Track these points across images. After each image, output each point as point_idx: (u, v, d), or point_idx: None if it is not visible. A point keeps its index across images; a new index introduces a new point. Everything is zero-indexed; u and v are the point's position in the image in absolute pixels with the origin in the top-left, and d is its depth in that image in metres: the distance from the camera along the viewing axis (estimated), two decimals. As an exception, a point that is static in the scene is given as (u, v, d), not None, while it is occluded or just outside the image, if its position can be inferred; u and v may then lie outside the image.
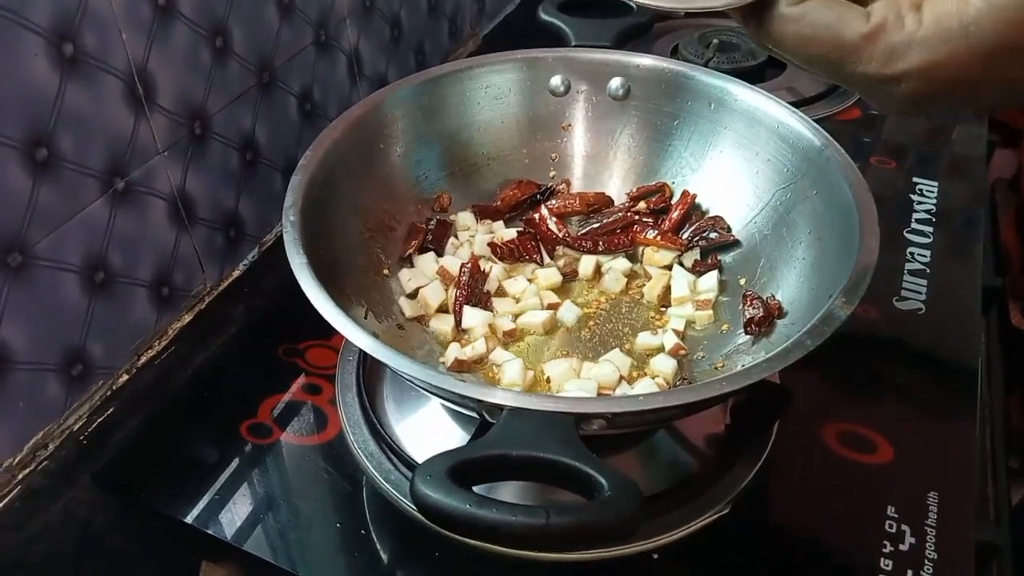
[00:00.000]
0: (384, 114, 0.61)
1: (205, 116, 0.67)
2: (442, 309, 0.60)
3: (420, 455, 0.51)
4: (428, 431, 0.55)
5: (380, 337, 0.43)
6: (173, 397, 0.63)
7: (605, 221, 0.65)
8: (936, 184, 0.79)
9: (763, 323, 0.52)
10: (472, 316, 0.57)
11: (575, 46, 0.65)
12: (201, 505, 0.54)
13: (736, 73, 0.90)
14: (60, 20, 0.52)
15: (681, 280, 0.60)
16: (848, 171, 0.51)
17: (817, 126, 0.55)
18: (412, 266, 0.63)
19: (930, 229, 0.74)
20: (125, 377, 0.64)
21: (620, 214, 0.65)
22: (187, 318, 0.70)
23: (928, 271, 0.70)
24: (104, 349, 0.62)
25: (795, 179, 0.56)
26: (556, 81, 0.65)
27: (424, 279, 0.61)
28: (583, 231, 0.65)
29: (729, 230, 0.61)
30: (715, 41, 0.95)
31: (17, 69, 0.51)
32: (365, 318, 0.52)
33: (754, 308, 0.52)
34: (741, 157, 0.60)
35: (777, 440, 0.53)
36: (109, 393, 0.63)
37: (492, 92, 0.65)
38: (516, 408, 0.34)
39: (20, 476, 0.57)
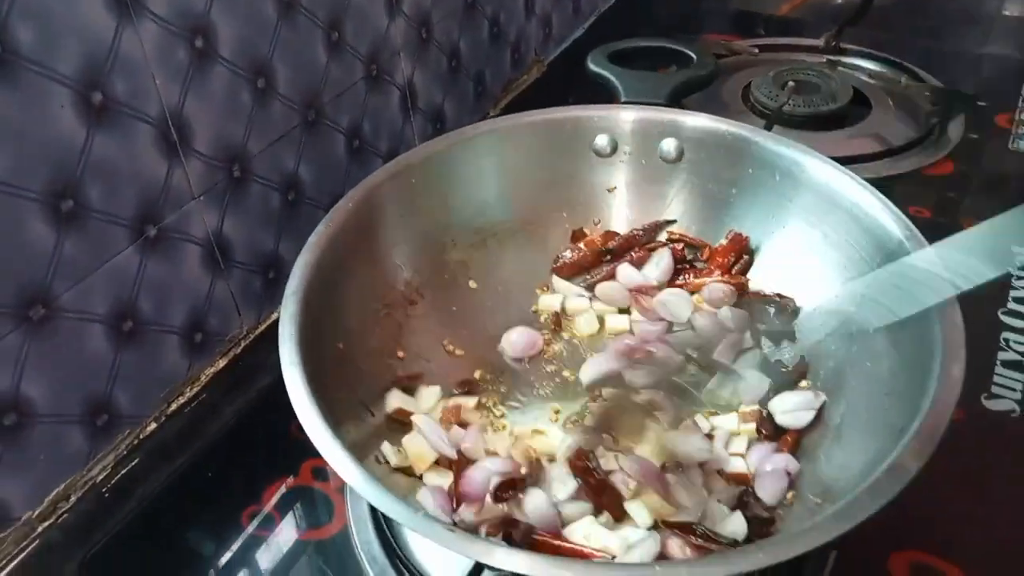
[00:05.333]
0: (409, 180, 0.57)
1: (245, 158, 0.65)
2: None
3: (430, 563, 0.47)
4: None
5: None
6: (181, 471, 0.61)
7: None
8: (1041, 255, 0.71)
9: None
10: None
11: (625, 102, 0.60)
12: None
13: (815, 118, 0.84)
14: (88, 69, 0.51)
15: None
16: (931, 271, 0.44)
17: (900, 212, 0.48)
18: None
19: (1031, 310, 0.66)
20: (153, 425, 0.63)
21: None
22: (221, 363, 0.68)
23: (1027, 364, 0.62)
24: (131, 398, 0.60)
25: (869, 271, 0.49)
26: (602, 141, 0.60)
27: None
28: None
29: (794, 315, 0.55)
30: (791, 83, 0.87)
31: (42, 122, 0.49)
32: (372, 416, 0.48)
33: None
34: (809, 238, 0.54)
35: (834, 570, 0.47)
36: (136, 442, 0.62)
37: (530, 152, 0.60)
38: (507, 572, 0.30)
39: (40, 529, 0.56)
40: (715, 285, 0.58)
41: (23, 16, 0.47)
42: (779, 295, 0.57)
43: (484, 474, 0.47)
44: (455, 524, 0.46)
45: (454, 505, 0.47)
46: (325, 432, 0.39)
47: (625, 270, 0.61)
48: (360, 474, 0.37)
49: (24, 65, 0.47)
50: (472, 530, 0.45)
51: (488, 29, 0.92)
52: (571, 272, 0.64)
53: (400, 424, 0.53)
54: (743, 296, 0.58)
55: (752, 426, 0.53)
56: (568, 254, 0.63)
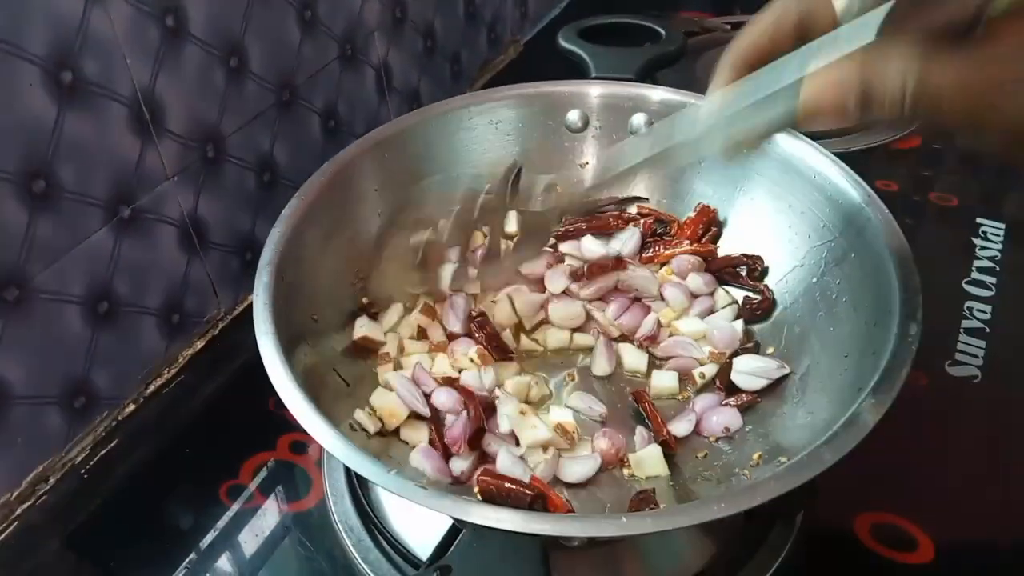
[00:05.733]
0: (383, 154, 0.58)
1: (219, 138, 0.65)
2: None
3: (405, 532, 0.48)
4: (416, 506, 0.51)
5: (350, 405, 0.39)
6: (159, 450, 0.61)
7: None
8: (1003, 227, 0.72)
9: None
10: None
11: (595, 78, 0.60)
12: None
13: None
14: (57, 48, 0.51)
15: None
16: (890, 236, 0.46)
17: (859, 179, 0.49)
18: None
19: (993, 280, 0.67)
20: (132, 407, 0.63)
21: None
22: (199, 344, 0.68)
23: (988, 331, 0.63)
24: (109, 379, 0.61)
25: (832, 237, 0.51)
26: (573, 116, 0.60)
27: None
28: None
29: (763, 275, 0.56)
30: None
31: (10, 101, 0.49)
32: (347, 385, 0.49)
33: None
34: (773, 207, 0.55)
35: (801, 532, 0.48)
36: (114, 424, 0.62)
37: (503, 128, 0.61)
38: (480, 526, 0.31)
39: (19, 511, 0.56)
40: (682, 257, 0.59)
41: (-11, -5, 0.46)
42: (746, 255, 0.58)
43: (461, 423, 0.48)
44: (456, 480, 0.47)
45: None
46: (299, 398, 0.39)
47: (588, 243, 0.62)
48: (334, 436, 0.37)
49: (-8, 44, 0.47)
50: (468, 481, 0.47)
51: (464, 9, 0.92)
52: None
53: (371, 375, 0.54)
54: (711, 263, 0.59)
55: (714, 368, 0.55)
56: None
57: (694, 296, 0.58)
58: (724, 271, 0.58)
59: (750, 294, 0.58)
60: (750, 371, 0.52)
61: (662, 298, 0.59)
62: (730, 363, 0.53)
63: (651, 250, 0.61)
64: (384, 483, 0.34)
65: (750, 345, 0.55)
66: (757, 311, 0.56)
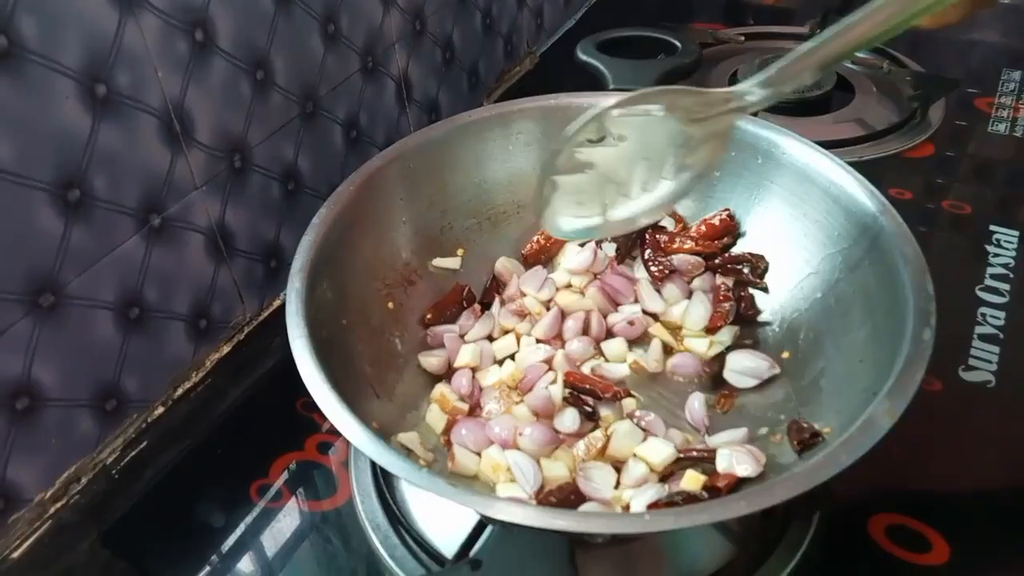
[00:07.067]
0: (407, 164, 0.59)
1: (245, 149, 0.66)
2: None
3: (431, 530, 0.49)
4: (442, 505, 0.52)
5: (382, 414, 0.41)
6: (189, 449, 0.63)
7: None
8: (1017, 234, 0.72)
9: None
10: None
11: (612, 89, 0.61)
12: (201, 574, 0.53)
13: (800, 104, 0.86)
14: (92, 61, 0.52)
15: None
16: (904, 244, 0.46)
17: (874, 188, 0.50)
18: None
19: (1007, 287, 0.68)
20: (161, 409, 0.65)
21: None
22: (225, 349, 0.70)
23: (1002, 336, 0.63)
24: (139, 383, 0.62)
25: (846, 245, 0.51)
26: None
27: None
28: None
29: (764, 273, 0.57)
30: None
31: (48, 113, 0.51)
32: (373, 389, 0.50)
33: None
34: (789, 216, 0.56)
35: (817, 532, 0.49)
36: (144, 426, 0.63)
37: (524, 139, 0.62)
38: (508, 523, 0.32)
39: (52, 510, 0.58)
40: (682, 256, 0.60)
41: (28, 10, 0.48)
42: (750, 254, 0.59)
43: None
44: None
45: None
46: (331, 397, 0.40)
47: (573, 253, 0.64)
48: (365, 434, 0.38)
49: (30, 58, 0.48)
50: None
51: (481, 21, 0.94)
52: (534, 259, 0.65)
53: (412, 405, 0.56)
54: (713, 261, 0.61)
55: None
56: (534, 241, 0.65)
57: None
58: (726, 269, 0.60)
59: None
60: (741, 370, 0.54)
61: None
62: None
63: (648, 252, 0.62)
64: (414, 479, 0.36)
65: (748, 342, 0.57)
66: (750, 311, 0.58)
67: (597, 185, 0.48)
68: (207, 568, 0.53)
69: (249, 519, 0.56)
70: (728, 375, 0.56)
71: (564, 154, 0.47)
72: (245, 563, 0.54)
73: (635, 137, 0.47)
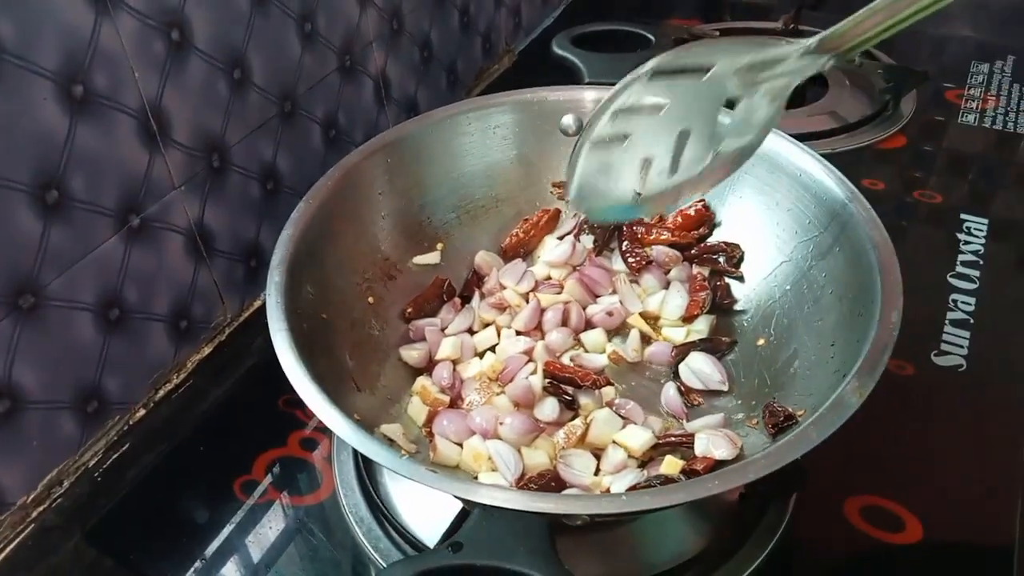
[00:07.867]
0: (385, 159, 0.59)
1: (223, 148, 0.66)
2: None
3: (414, 522, 0.50)
4: (424, 495, 0.53)
5: (364, 406, 0.41)
6: (172, 449, 0.63)
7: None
8: (986, 222, 0.74)
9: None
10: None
11: (588, 83, 0.62)
12: (188, 571, 0.53)
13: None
14: (69, 62, 0.52)
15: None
16: (873, 229, 0.48)
17: (843, 177, 0.51)
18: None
19: (977, 274, 0.69)
20: (142, 411, 0.65)
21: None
22: (207, 350, 0.70)
23: (972, 322, 0.65)
24: (120, 385, 0.62)
25: (817, 233, 0.53)
26: (568, 120, 0.62)
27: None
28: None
29: (739, 262, 0.59)
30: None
31: (25, 114, 0.51)
32: (355, 382, 0.51)
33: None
34: (762, 205, 0.57)
35: (794, 514, 0.50)
36: (126, 428, 0.63)
37: (501, 133, 0.63)
38: (489, 506, 0.33)
39: (34, 514, 0.58)
40: (659, 248, 0.61)
41: (3, 11, 0.48)
42: (725, 243, 0.60)
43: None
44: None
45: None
46: (313, 389, 0.41)
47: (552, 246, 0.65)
48: (347, 425, 0.39)
49: (6, 59, 0.48)
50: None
51: (459, 19, 0.94)
52: (513, 252, 0.66)
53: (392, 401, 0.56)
54: (689, 251, 0.62)
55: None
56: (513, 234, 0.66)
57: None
58: (702, 258, 0.61)
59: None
60: (696, 370, 0.55)
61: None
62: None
63: (625, 244, 0.63)
64: (396, 468, 0.36)
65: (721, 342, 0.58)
66: (726, 300, 0.59)
67: (633, 159, 0.44)
68: (194, 564, 0.54)
69: (233, 515, 0.56)
70: (682, 369, 0.57)
71: (601, 121, 0.43)
72: (231, 558, 0.54)
73: (677, 104, 0.42)
